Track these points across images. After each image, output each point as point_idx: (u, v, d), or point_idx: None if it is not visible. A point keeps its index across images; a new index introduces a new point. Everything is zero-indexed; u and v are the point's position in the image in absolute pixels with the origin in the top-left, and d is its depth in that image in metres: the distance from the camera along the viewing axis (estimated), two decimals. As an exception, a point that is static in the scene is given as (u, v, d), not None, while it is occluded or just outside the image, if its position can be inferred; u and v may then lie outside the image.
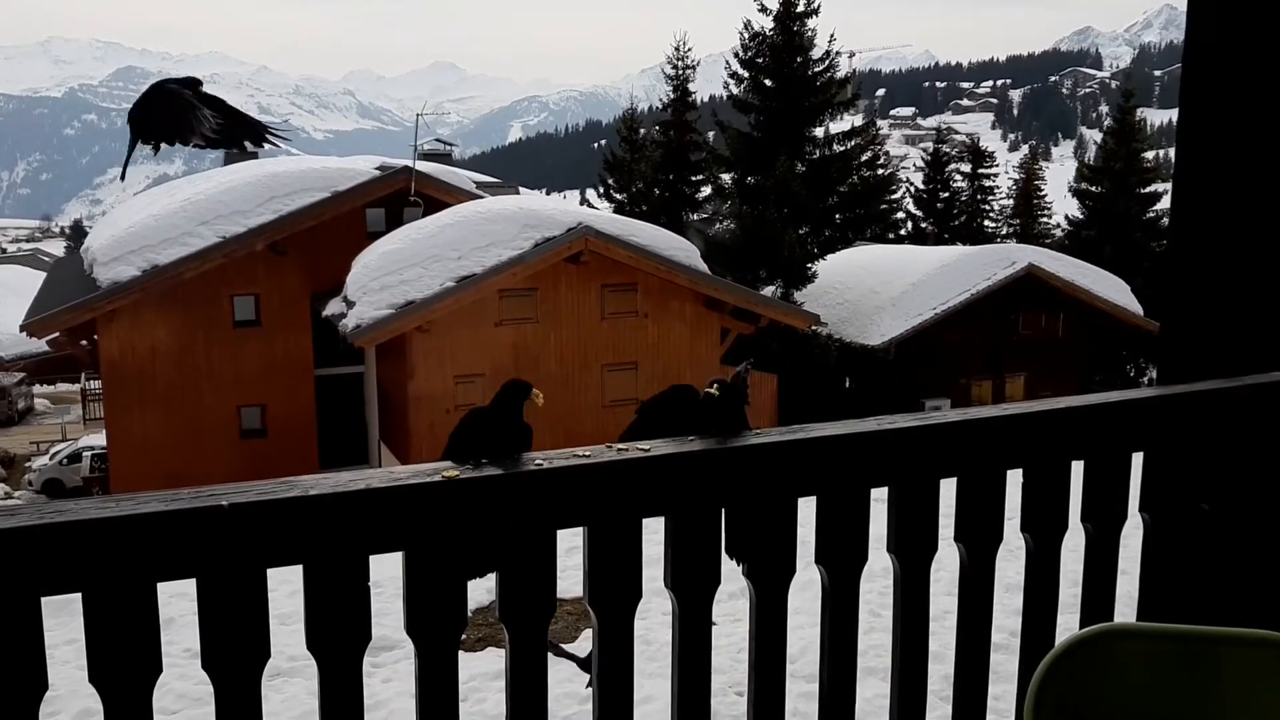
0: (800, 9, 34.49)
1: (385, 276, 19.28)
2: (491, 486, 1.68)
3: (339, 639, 1.64)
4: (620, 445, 1.81)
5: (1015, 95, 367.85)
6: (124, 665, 1.53)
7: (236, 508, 1.52)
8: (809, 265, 32.41)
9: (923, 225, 47.36)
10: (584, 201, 48.84)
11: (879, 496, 2.00)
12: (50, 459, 29.77)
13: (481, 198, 23.67)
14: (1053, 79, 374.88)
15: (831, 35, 35.18)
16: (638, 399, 22.01)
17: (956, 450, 2.03)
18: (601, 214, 25.89)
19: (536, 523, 1.73)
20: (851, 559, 1.96)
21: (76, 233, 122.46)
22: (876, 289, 30.56)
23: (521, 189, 36.88)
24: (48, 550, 1.46)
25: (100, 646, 1.52)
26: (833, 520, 1.94)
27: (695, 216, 36.30)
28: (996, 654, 2.19)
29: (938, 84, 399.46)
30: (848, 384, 30.60)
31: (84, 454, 28.06)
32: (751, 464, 1.86)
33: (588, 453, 1.78)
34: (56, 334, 21.79)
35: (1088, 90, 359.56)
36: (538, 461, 1.73)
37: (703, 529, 1.85)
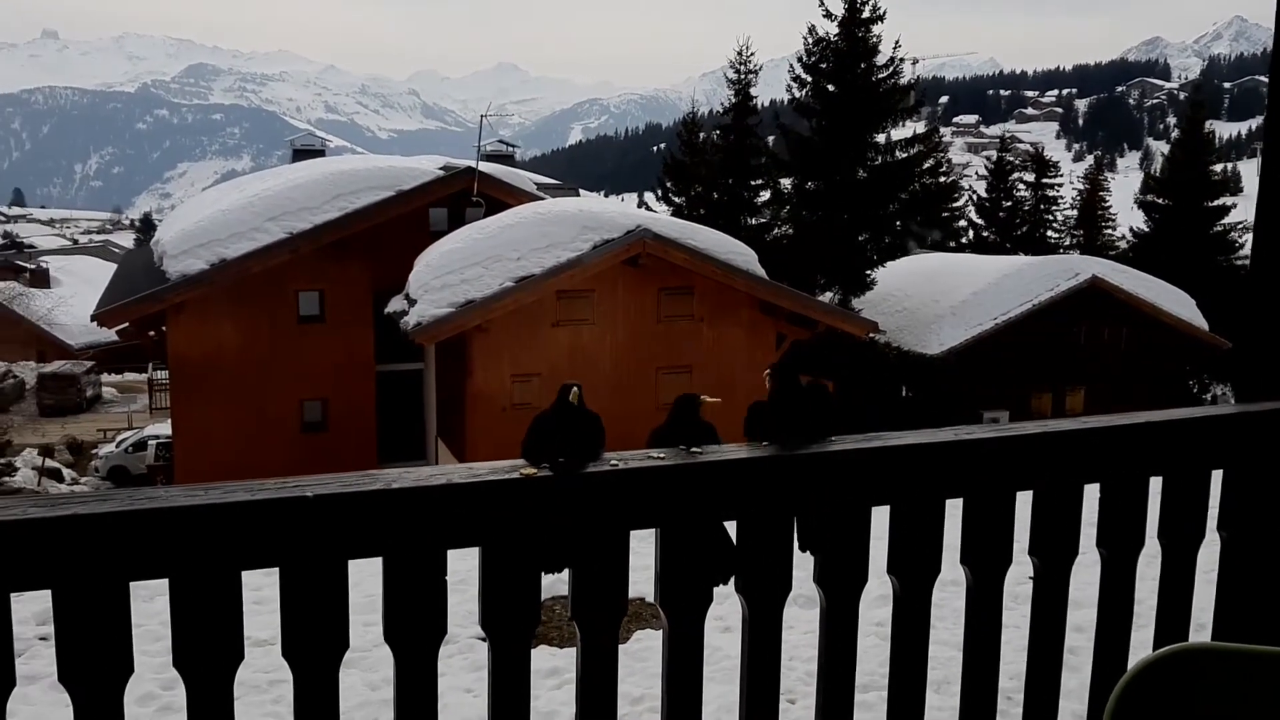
0: (865, 15, 34.24)
1: (446, 275, 19.45)
2: (568, 485, 1.69)
3: (416, 631, 1.66)
4: (695, 448, 1.81)
5: (1081, 105, 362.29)
6: (208, 652, 1.56)
7: (321, 499, 1.54)
8: (868, 272, 32.17)
9: (985, 234, 46.82)
10: (642, 204, 48.86)
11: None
12: (116, 447, 30.43)
13: (542, 199, 23.80)
14: (1119, 89, 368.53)
15: (896, 41, 34.89)
16: (693, 403, 22.07)
17: (1034, 463, 2.01)
18: (660, 217, 25.89)
19: (610, 522, 1.74)
20: (925, 570, 1.95)
21: (146, 225, 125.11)
22: (936, 297, 30.23)
23: (581, 191, 37.01)
24: (138, 536, 1.49)
25: (185, 633, 1.55)
26: (907, 530, 1.93)
27: (753, 221, 36.14)
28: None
29: (1002, 92, 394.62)
30: (905, 392, 30.31)
31: (149, 442, 28.64)
32: (827, 471, 1.84)
33: (662, 454, 1.78)
34: (126, 324, 22.23)
35: (1155, 101, 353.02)
36: (613, 462, 1.73)
37: (775, 534, 1.85)
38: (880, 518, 1.94)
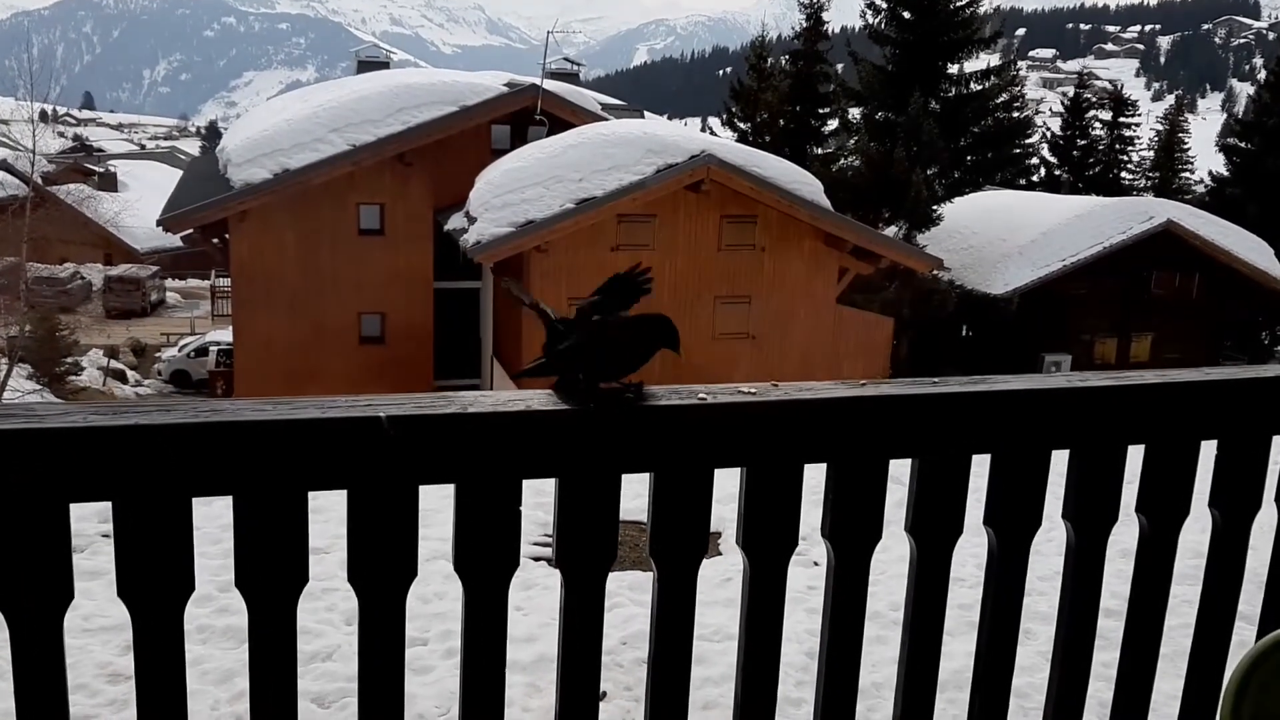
0: (946, -61, 33.20)
1: (507, 194, 19.36)
2: (651, 418, 1.59)
3: (487, 562, 1.58)
4: (785, 383, 1.70)
5: (1164, 42, 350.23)
6: (271, 573, 1.49)
7: (394, 420, 1.46)
8: (935, 207, 31.56)
9: (1057, 173, 45.72)
10: (706, 129, 48.17)
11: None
12: (179, 351, 30.99)
13: (606, 120, 23.51)
14: (1205, 27, 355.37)
15: (977, -33, 33.90)
16: (749, 334, 21.89)
17: (1149, 415, 1.87)
18: (725, 143, 25.49)
19: (693, 459, 1.64)
20: (1024, 523, 1.83)
21: (212, 133, 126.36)
22: (1004, 236, 29.60)
23: (645, 113, 36.54)
24: (202, 450, 1.42)
25: (248, 553, 1.48)
26: (1007, 481, 1.81)
27: (820, 150, 35.49)
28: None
29: (1081, 26, 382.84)
30: (965, 332, 29.88)
31: (210, 348, 29.11)
32: (927, 413, 1.73)
33: (753, 390, 1.67)
34: (190, 230, 22.49)
35: (1242, 40, 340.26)
36: (700, 395, 1.63)
37: (867, 480, 1.74)
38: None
